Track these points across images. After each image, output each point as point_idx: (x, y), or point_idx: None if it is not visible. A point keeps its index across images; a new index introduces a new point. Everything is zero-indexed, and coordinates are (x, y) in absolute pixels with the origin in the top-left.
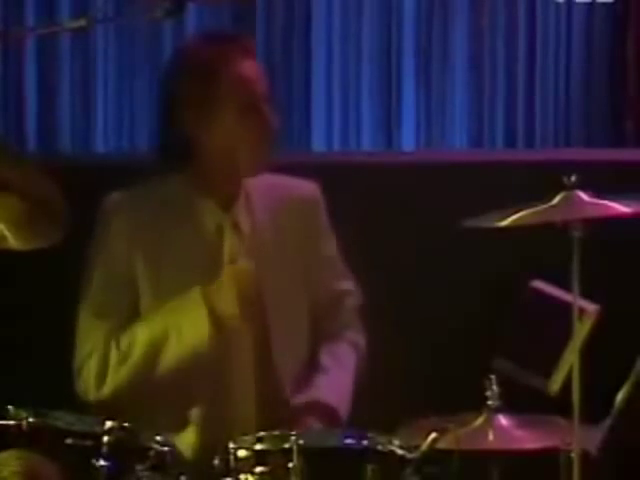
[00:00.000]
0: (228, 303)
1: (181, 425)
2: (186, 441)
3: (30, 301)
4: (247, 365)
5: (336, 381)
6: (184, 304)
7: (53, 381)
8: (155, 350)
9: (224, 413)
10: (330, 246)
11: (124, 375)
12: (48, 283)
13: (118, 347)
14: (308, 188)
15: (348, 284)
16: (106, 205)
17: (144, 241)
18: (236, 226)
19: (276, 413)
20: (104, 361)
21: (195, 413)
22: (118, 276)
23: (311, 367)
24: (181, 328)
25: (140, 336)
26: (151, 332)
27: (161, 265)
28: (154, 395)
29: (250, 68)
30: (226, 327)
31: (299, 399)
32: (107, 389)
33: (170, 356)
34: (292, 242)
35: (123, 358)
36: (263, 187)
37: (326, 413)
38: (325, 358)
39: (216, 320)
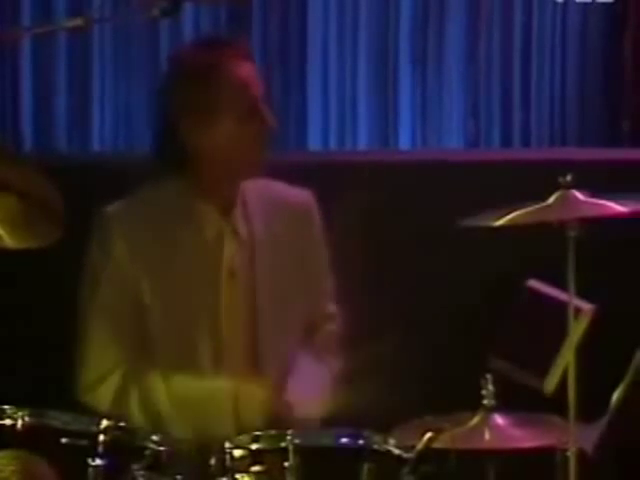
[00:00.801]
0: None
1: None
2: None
3: (30, 301)
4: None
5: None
6: (210, 406)
7: (53, 381)
8: (177, 416)
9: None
10: (323, 261)
11: (145, 418)
12: (48, 283)
13: (140, 387)
14: (302, 196)
15: (333, 308)
16: (102, 220)
17: (146, 255)
18: (235, 232)
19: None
20: (123, 395)
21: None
22: (127, 294)
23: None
24: (206, 419)
25: (162, 398)
26: (173, 406)
27: (164, 277)
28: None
29: (247, 72)
30: None
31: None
32: (125, 415)
33: (193, 422)
34: (288, 250)
35: (144, 406)
36: (258, 193)
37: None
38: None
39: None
